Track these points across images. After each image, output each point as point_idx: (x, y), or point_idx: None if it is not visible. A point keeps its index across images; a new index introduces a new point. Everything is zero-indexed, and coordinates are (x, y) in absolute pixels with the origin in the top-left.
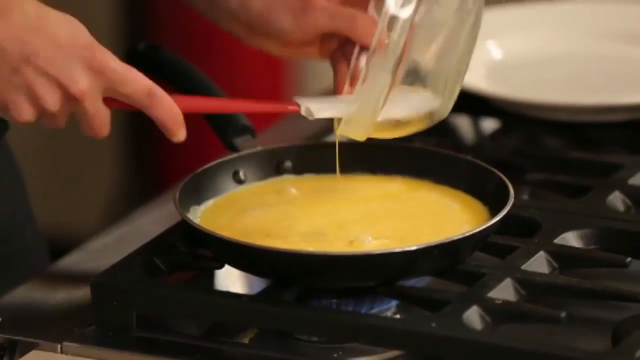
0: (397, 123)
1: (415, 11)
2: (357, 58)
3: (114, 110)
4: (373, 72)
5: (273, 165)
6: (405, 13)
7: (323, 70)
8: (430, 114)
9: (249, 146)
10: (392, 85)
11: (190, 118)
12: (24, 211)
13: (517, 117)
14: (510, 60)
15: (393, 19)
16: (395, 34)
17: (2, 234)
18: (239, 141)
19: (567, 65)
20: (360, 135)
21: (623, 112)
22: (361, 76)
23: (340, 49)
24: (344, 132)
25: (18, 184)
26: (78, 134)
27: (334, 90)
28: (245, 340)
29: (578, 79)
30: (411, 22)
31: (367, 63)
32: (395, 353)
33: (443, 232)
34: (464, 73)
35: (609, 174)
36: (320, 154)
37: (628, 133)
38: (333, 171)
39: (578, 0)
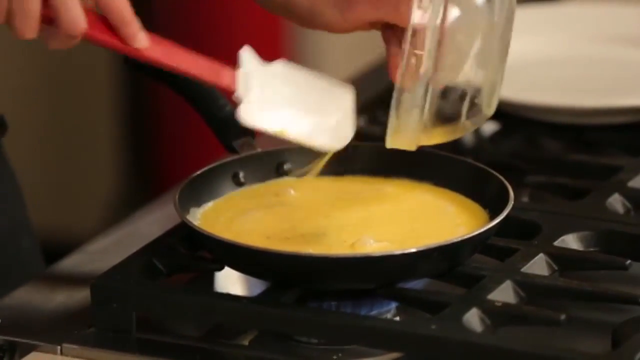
0: (446, 127)
1: (443, 16)
2: (408, 41)
3: (115, 113)
4: (407, 85)
5: (273, 167)
6: (431, 20)
7: (323, 70)
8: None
9: (248, 148)
10: (428, 95)
11: (190, 120)
12: (21, 220)
13: (517, 119)
14: (510, 62)
15: (418, 31)
16: (426, 42)
17: None
18: (238, 143)
19: (567, 67)
20: (408, 146)
21: (623, 115)
22: (396, 85)
23: (391, 27)
24: (393, 144)
25: (15, 192)
26: (77, 135)
27: (388, 72)
28: (245, 342)
29: (578, 82)
30: (441, 28)
31: (399, 75)
32: (394, 355)
33: (441, 234)
34: (502, 73)
35: (608, 176)
36: (320, 156)
37: (628, 135)
38: (333, 173)
39: (578, 3)
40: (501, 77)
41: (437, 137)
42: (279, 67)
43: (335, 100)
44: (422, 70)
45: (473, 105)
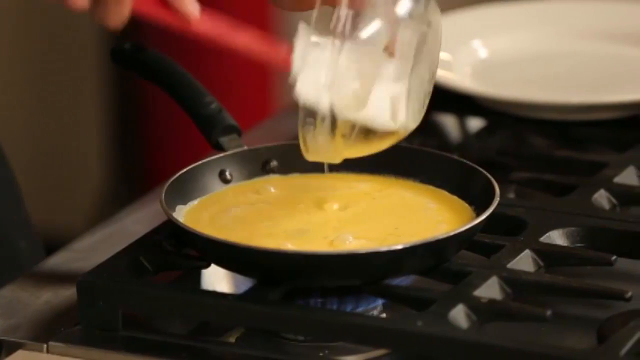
0: (366, 138)
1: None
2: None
3: (102, 110)
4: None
5: (259, 164)
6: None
7: None
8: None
9: (235, 145)
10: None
11: (176, 118)
12: (18, 221)
13: (502, 116)
14: (496, 59)
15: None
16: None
17: None
18: (224, 140)
19: (553, 63)
20: (331, 159)
21: (608, 111)
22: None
23: None
24: (314, 159)
25: (13, 193)
26: (64, 133)
27: None
28: (232, 340)
29: (563, 78)
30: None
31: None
32: (381, 352)
33: (422, 232)
34: (430, 87)
35: (594, 172)
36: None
37: (614, 131)
38: (319, 170)
39: None
40: (422, 92)
41: (360, 148)
42: (337, 41)
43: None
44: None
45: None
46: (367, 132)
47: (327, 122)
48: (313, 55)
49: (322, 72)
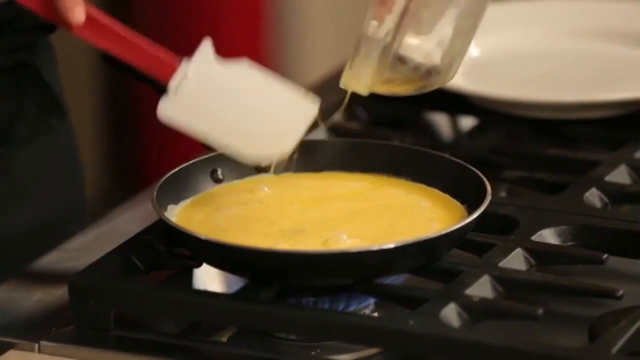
0: (395, 78)
1: None
2: None
3: (95, 110)
4: (375, 25)
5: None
6: None
7: (309, 66)
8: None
9: None
10: (395, 37)
11: None
12: (76, 211)
13: (494, 114)
14: (488, 57)
15: None
16: None
17: (47, 227)
18: None
19: (545, 62)
20: (361, 88)
21: (600, 110)
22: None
23: None
24: (345, 84)
25: (78, 184)
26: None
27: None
28: (224, 339)
29: (555, 77)
30: None
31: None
32: (373, 351)
33: (415, 230)
34: (470, 42)
35: (586, 171)
36: (299, 153)
37: (605, 130)
38: (312, 169)
39: None
40: (468, 45)
41: (391, 87)
42: (237, 67)
43: (290, 110)
44: (393, 10)
45: (433, 65)
46: (401, 74)
47: (374, 55)
48: (203, 74)
49: (206, 93)
